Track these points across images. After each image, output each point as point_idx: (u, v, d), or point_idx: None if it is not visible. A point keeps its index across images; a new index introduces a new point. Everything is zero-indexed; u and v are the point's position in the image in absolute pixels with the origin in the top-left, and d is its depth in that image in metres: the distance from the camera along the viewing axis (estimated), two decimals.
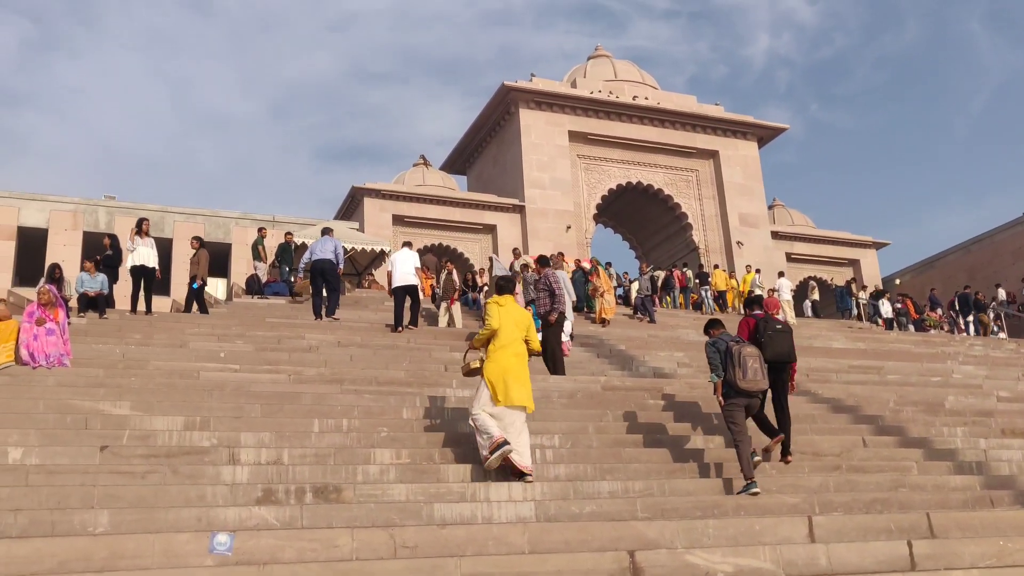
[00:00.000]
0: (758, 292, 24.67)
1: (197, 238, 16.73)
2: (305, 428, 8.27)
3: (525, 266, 20.65)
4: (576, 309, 17.50)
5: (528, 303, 14.47)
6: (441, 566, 5.05)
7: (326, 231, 16.28)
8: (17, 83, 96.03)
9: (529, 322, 8.18)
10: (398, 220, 30.34)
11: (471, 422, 7.62)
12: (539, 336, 12.18)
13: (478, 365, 7.92)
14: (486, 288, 21.52)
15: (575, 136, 32.64)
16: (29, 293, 16.65)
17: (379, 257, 25.96)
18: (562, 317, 12.29)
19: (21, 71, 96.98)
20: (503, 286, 8.38)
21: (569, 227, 31.23)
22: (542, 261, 13.45)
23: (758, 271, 27.19)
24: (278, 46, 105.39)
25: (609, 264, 26.47)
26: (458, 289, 17.87)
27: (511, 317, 7.93)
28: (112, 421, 7.93)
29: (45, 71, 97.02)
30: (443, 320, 17.00)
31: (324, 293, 15.45)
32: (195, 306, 15.95)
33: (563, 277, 16.74)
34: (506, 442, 7.28)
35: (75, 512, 5.92)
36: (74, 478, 6.60)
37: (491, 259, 25.39)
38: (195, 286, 15.84)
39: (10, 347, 9.27)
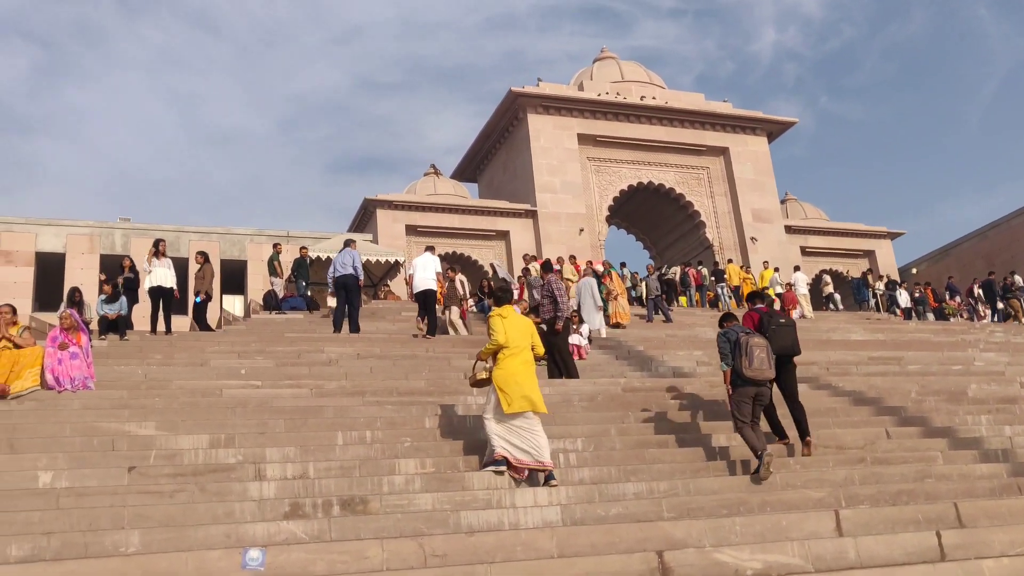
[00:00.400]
0: (778, 289, 24.63)
1: (201, 253, 16.81)
2: (329, 441, 8.32)
3: (526, 270, 20.73)
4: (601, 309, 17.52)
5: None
6: (471, 573, 5.08)
7: (347, 243, 16.41)
8: (29, 109, 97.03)
9: (532, 329, 8.34)
10: (411, 230, 30.45)
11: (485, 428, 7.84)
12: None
13: (485, 375, 8.07)
14: None
15: (584, 139, 32.68)
16: (49, 318, 16.80)
17: (394, 268, 26.04)
18: (568, 323, 12.33)
19: (32, 97, 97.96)
20: (501, 297, 8.48)
21: (582, 230, 31.25)
22: (546, 267, 13.49)
23: (776, 269, 27.10)
24: (285, 61, 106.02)
25: (623, 264, 26.49)
26: (463, 297, 17.82)
27: (515, 327, 8.07)
28: (138, 442, 8.01)
29: (55, 96, 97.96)
30: (451, 329, 16.96)
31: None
32: (201, 320, 16.06)
33: (591, 284, 16.87)
34: (504, 461, 7.51)
35: (106, 533, 5.97)
36: (103, 499, 6.66)
37: (492, 266, 25.46)
38: (198, 300, 15.93)
39: (35, 372, 9.36)
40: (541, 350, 8.36)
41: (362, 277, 15.78)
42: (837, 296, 29.91)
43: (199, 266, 16.46)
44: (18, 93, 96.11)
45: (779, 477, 7.90)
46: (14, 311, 10.04)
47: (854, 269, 34.69)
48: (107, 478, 7.10)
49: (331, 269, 15.86)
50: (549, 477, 7.46)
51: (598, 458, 8.40)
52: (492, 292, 8.84)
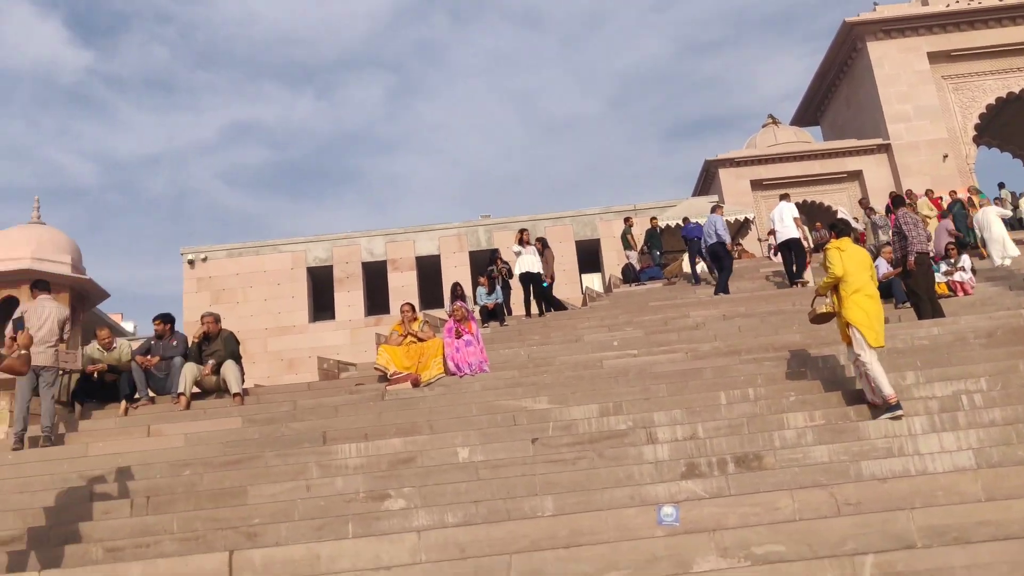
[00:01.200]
0: None
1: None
2: (713, 402, 8.42)
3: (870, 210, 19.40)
4: (962, 244, 16.07)
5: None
6: (891, 519, 4.91)
7: (713, 209, 16.82)
8: (389, 130, 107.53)
9: (870, 262, 8.14)
10: (756, 185, 29.67)
11: (856, 365, 7.72)
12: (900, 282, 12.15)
13: (825, 310, 8.07)
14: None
15: (935, 57, 29.77)
16: (437, 313, 18.54)
17: (744, 225, 25.58)
18: (923, 258, 11.39)
19: (391, 119, 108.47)
20: (842, 229, 8.31)
21: (946, 156, 28.54)
22: (897, 202, 12.54)
23: None
24: (608, 40, 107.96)
25: (1001, 185, 23.98)
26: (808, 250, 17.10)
27: (854, 260, 7.86)
28: (536, 415, 8.63)
29: (410, 114, 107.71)
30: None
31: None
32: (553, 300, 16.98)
33: (995, 211, 15.77)
34: (899, 405, 7.30)
35: (523, 500, 6.54)
36: (514, 470, 7.27)
37: (838, 212, 24.16)
38: (545, 284, 16.74)
39: (439, 361, 10.45)
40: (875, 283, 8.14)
41: (727, 241, 15.90)
42: None
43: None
44: (379, 117, 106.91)
45: None
46: (414, 309, 11.25)
47: None
48: (514, 450, 7.73)
49: (703, 240, 16.31)
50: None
51: (1008, 397, 7.71)
52: (832, 225, 8.60)
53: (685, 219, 20.44)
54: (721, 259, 15.90)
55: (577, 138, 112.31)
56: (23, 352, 6.45)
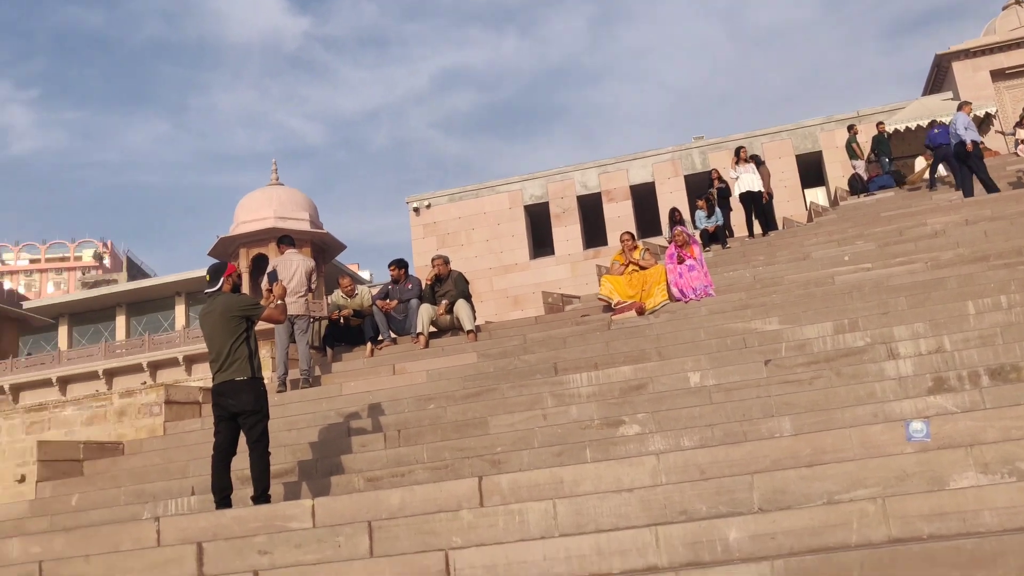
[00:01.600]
0: None
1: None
2: (959, 312, 7.93)
3: None
4: None
5: None
6: None
7: (960, 107, 15.64)
8: (593, 60, 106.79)
9: None
10: (997, 75, 26.99)
11: None
12: None
13: None
14: None
15: None
16: (655, 241, 18.40)
17: (984, 121, 23.50)
18: None
19: (594, 48, 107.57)
20: None
21: None
22: None
23: None
24: None
25: None
26: None
27: None
28: (767, 337, 8.46)
29: (613, 42, 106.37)
30: None
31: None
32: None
33: None
34: None
35: (759, 422, 6.45)
36: (748, 392, 7.18)
37: None
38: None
39: (662, 288, 10.43)
40: None
41: (969, 140, 14.62)
42: None
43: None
44: (582, 48, 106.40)
45: None
46: (633, 237, 11.27)
47: None
48: (747, 373, 7.63)
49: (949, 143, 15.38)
50: None
51: None
52: None
53: (931, 122, 18.98)
54: (967, 160, 14.66)
55: (788, 47, 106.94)
56: (279, 302, 7.07)
